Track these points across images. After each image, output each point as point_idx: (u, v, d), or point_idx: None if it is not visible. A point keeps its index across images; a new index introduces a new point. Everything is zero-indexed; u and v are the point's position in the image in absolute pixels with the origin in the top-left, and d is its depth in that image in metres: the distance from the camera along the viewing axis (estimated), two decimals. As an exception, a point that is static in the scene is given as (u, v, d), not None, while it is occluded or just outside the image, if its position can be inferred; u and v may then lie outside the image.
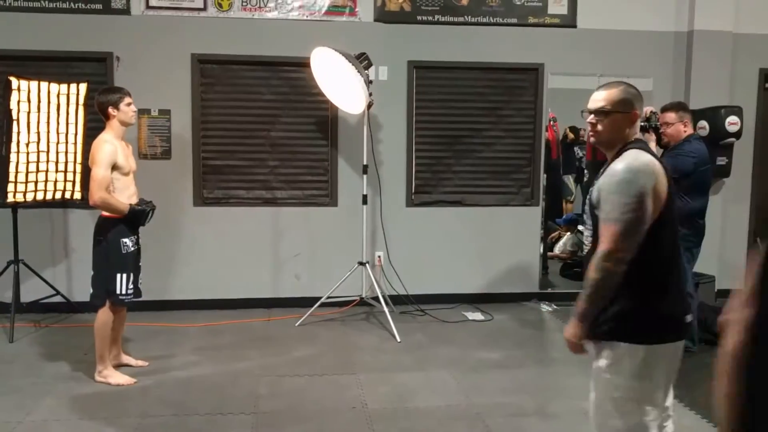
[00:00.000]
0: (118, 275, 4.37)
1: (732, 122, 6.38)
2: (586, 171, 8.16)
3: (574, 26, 6.61)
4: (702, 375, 4.70)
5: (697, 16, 6.63)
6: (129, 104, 4.46)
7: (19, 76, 5.34)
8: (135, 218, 4.44)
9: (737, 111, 6.42)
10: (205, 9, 6.17)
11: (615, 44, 6.64)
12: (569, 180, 9.04)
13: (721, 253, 6.83)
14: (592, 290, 2.48)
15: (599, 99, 2.57)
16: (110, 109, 4.40)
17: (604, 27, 6.61)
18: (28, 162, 5.38)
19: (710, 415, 4.03)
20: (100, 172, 4.26)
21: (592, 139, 2.61)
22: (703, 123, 6.29)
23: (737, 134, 6.45)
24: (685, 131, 4.81)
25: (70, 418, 3.95)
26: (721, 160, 6.52)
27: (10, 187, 5.29)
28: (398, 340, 5.47)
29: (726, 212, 6.86)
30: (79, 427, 3.85)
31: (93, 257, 4.45)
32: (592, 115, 2.57)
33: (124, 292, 4.39)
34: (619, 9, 6.63)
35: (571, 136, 8.84)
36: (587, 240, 2.66)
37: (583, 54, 6.62)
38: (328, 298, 5.99)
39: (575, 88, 7.14)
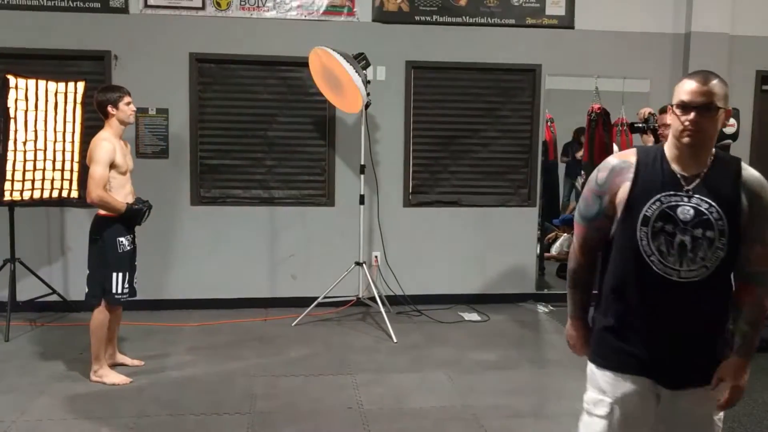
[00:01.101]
0: (114, 274, 4.36)
1: (729, 124, 6.37)
2: (582, 172, 8.15)
3: (572, 27, 6.61)
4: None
5: (695, 17, 6.64)
6: (128, 103, 4.46)
7: (16, 75, 5.33)
8: (132, 217, 4.44)
9: (734, 113, 6.43)
10: (203, 8, 6.16)
11: (612, 45, 6.65)
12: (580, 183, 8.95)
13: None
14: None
15: (704, 92, 2.09)
16: (109, 108, 4.40)
17: (601, 28, 6.62)
18: (25, 160, 5.37)
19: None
20: (98, 170, 4.26)
21: (688, 140, 2.11)
22: (701, 125, 6.29)
23: (734, 136, 6.44)
24: None
25: (66, 418, 3.95)
26: (718, 162, 6.50)
27: (7, 185, 5.29)
28: (394, 340, 5.47)
29: (722, 214, 6.86)
30: (74, 426, 3.84)
31: (89, 256, 4.44)
32: (695, 113, 2.09)
33: (119, 291, 4.39)
34: (617, 10, 6.63)
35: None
36: (707, 255, 2.11)
37: (581, 55, 6.63)
38: (325, 298, 5.99)
39: (572, 89, 7.16)
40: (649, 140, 4.91)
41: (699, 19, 6.64)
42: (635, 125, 5.01)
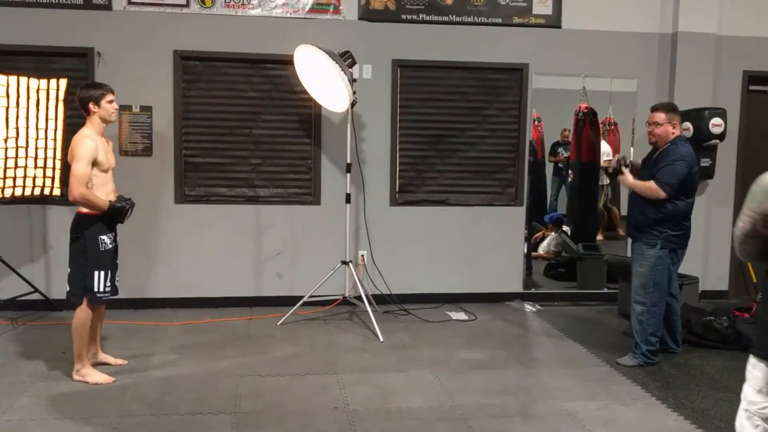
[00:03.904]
0: (96, 273, 4.30)
1: (716, 124, 6.40)
2: (570, 171, 8.16)
3: (559, 27, 6.61)
4: (686, 376, 4.72)
5: (681, 17, 6.65)
6: (110, 101, 4.40)
7: (-3, 71, 5.28)
8: (114, 215, 4.37)
9: (721, 113, 6.45)
10: (187, 5, 6.11)
11: (599, 45, 6.65)
12: None
13: (705, 255, 6.86)
14: None
15: None
16: (91, 105, 4.34)
17: (588, 27, 6.62)
18: (6, 158, 5.30)
19: (695, 416, 4.02)
20: (80, 167, 4.20)
21: None
22: (687, 124, 6.31)
23: (721, 136, 6.48)
24: (673, 133, 4.81)
25: (47, 418, 3.88)
26: (705, 162, 6.54)
27: (-12, 182, 5.22)
28: (381, 339, 5.44)
29: (710, 214, 6.89)
30: (56, 426, 3.78)
31: (70, 254, 4.38)
32: None
33: (101, 289, 4.33)
34: (604, 10, 6.64)
35: None
36: None
37: (568, 54, 6.63)
38: (311, 297, 5.94)
39: (560, 88, 7.17)
40: (627, 173, 4.91)
41: (686, 19, 6.65)
42: (609, 171, 5.06)
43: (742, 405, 2.63)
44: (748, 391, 2.59)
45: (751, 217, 2.41)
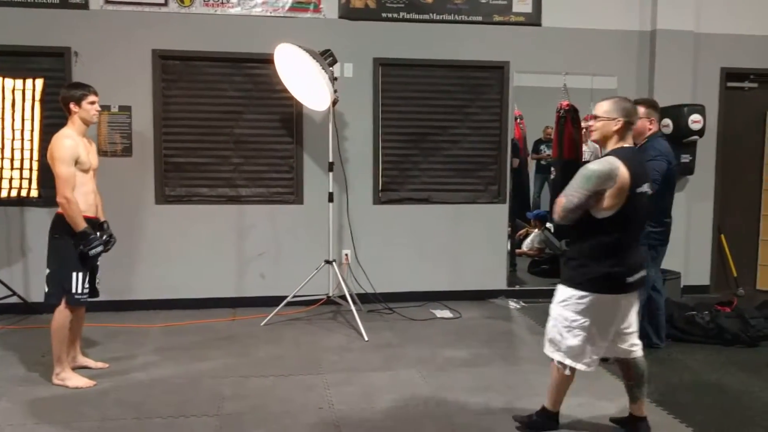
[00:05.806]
0: (74, 274, 4.24)
1: (695, 120, 6.45)
2: (552, 168, 8.18)
3: (539, 24, 6.63)
4: (669, 371, 4.73)
5: (660, 15, 6.71)
6: (92, 103, 4.35)
7: (-28, 71, 5.20)
8: (82, 241, 4.21)
9: (700, 109, 6.50)
10: (166, 4, 6.06)
11: (579, 43, 6.68)
12: None
13: (686, 250, 6.91)
14: None
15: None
16: (72, 105, 4.30)
17: (568, 25, 6.65)
18: (-19, 159, 5.24)
19: (678, 410, 4.04)
20: (63, 169, 4.15)
21: None
22: (667, 121, 6.35)
23: (700, 132, 6.53)
24: (650, 129, 4.83)
25: (26, 423, 3.82)
26: (685, 158, 6.59)
27: (-37, 185, 5.15)
28: (366, 339, 5.42)
29: (690, 209, 6.93)
30: (35, 431, 3.72)
31: (48, 254, 4.31)
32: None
33: (79, 291, 4.26)
34: (583, 8, 6.67)
35: None
36: None
37: (548, 52, 6.65)
38: (294, 297, 5.91)
39: (540, 86, 7.19)
40: None
41: (664, 17, 6.71)
42: None
43: (561, 323, 3.38)
44: (567, 313, 3.35)
45: (585, 195, 3.18)
